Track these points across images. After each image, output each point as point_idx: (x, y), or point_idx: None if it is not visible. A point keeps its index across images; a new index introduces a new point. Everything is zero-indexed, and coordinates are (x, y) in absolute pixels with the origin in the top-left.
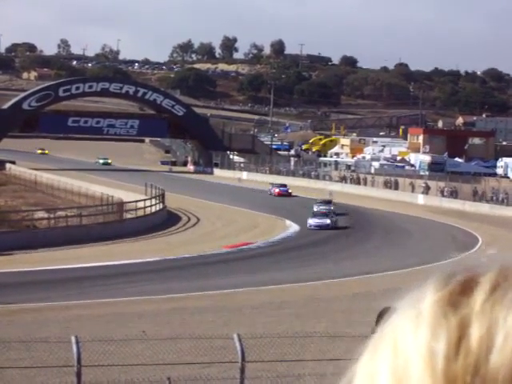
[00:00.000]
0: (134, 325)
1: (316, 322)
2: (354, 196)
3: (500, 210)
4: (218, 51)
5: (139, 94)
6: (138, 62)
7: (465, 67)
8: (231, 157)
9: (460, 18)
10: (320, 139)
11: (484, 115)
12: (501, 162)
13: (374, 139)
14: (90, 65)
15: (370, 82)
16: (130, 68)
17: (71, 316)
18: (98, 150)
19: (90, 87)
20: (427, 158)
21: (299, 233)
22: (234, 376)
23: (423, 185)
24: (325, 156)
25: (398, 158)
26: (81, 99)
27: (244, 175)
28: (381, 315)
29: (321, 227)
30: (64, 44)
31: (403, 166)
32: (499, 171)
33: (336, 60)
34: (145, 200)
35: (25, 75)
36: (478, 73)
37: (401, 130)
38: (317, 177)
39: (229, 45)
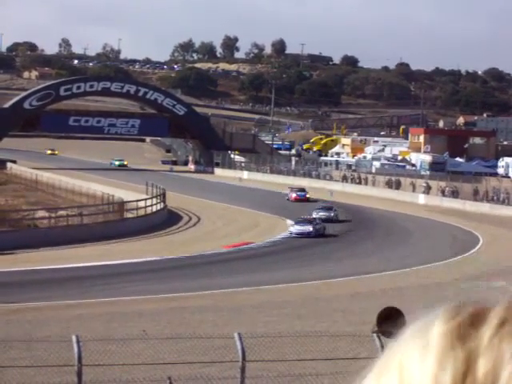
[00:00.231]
0: (135, 324)
1: (316, 322)
2: (355, 195)
3: (501, 209)
4: (219, 50)
5: (140, 94)
6: (139, 61)
7: (466, 67)
8: (232, 156)
9: (461, 17)
10: (321, 139)
11: (485, 115)
12: (502, 162)
13: (375, 139)
14: (91, 64)
15: (371, 81)
16: (131, 67)
17: (72, 315)
18: (99, 149)
19: (91, 86)
20: (428, 158)
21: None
22: (235, 375)
23: (424, 184)
24: (326, 155)
25: (399, 157)
26: (82, 98)
27: (245, 175)
28: (381, 315)
29: (302, 235)
30: (65, 43)
31: (404, 166)
32: (500, 171)
33: (337, 59)
34: (146, 199)
35: (26, 74)
36: (479, 72)
37: (401, 130)
38: (318, 176)
39: (230, 44)
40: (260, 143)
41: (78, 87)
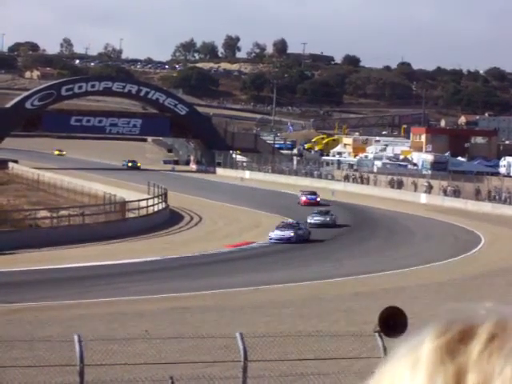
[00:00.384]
0: (137, 324)
1: (318, 321)
2: (357, 195)
3: (502, 208)
4: (220, 50)
5: (142, 93)
6: (140, 61)
7: (467, 66)
8: (234, 156)
9: (462, 16)
10: (322, 138)
11: (486, 114)
12: (503, 161)
13: (377, 138)
14: (92, 64)
15: (373, 81)
16: (132, 67)
17: (74, 315)
18: (104, 149)
19: (93, 86)
20: (430, 157)
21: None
22: (237, 375)
23: (426, 184)
24: (327, 155)
25: (401, 157)
26: (83, 98)
27: (247, 174)
28: (382, 315)
29: (282, 241)
30: (67, 43)
31: (406, 165)
32: (502, 170)
33: (338, 59)
34: (147, 199)
35: (27, 74)
36: (481, 72)
37: (403, 129)
38: (319, 176)
39: (231, 44)
40: (262, 143)
41: (80, 87)
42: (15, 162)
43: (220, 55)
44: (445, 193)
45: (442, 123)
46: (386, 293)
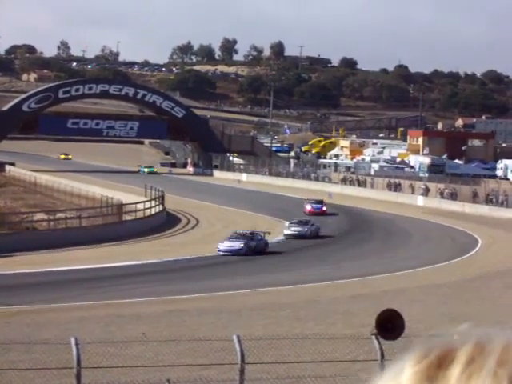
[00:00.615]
0: (134, 326)
1: (315, 324)
2: (354, 197)
3: (499, 211)
4: (217, 53)
5: (139, 96)
6: (137, 63)
7: (464, 69)
8: (231, 158)
9: (460, 19)
10: (320, 141)
11: (484, 117)
12: (500, 164)
13: (374, 141)
14: (89, 67)
15: (370, 83)
16: (129, 70)
17: (71, 318)
18: (98, 151)
19: (90, 89)
20: (427, 160)
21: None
22: (234, 378)
23: (423, 186)
24: (324, 158)
25: (398, 159)
26: (80, 101)
27: (244, 177)
28: (380, 317)
29: (231, 252)
30: (64, 46)
31: (403, 168)
32: (499, 173)
33: (336, 62)
34: (144, 202)
35: (24, 77)
36: (478, 75)
37: (400, 132)
38: (316, 178)
39: (228, 46)
40: (259, 145)
41: (77, 90)
42: (12, 164)
43: (217, 58)
44: (442, 195)
45: (439, 126)
46: (384, 295)
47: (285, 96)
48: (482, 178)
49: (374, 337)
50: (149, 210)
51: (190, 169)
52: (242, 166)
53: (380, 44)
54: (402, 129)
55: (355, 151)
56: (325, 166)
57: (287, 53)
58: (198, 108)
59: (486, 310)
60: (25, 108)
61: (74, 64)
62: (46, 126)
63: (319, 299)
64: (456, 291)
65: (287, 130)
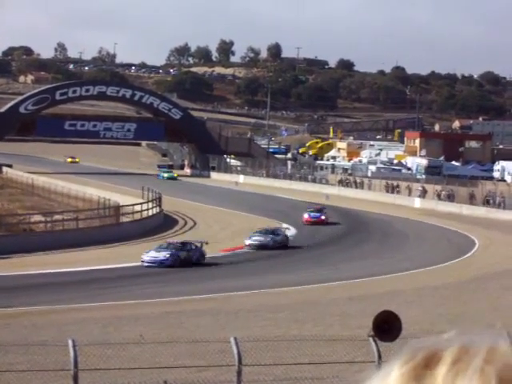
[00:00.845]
0: (131, 328)
1: (313, 326)
2: (351, 199)
3: (496, 213)
4: (214, 54)
5: (136, 98)
6: (134, 65)
7: (461, 70)
8: (228, 160)
9: (457, 21)
10: (317, 142)
11: (481, 118)
12: (497, 166)
13: (371, 143)
14: (86, 68)
15: (367, 85)
16: (126, 71)
17: (68, 319)
18: (96, 153)
19: (87, 91)
20: (424, 162)
21: (296, 236)
22: (231, 379)
23: (420, 188)
24: (321, 159)
25: (395, 161)
26: (77, 103)
27: (241, 178)
28: (377, 319)
29: (155, 263)
30: (61, 47)
31: (400, 170)
32: (496, 175)
33: (333, 63)
34: (141, 203)
35: (21, 79)
36: (475, 76)
37: (397, 134)
38: (314, 180)
39: (225, 48)
40: (256, 147)
41: (74, 91)
42: (9, 166)
43: (214, 59)
44: (439, 197)
45: (436, 127)
46: (381, 297)
47: (282, 98)
48: (479, 179)
49: (371, 338)
50: (146, 212)
51: (188, 170)
52: (239, 168)
53: (377, 46)
54: (399, 130)
55: (352, 153)
56: (322, 168)
57: (284, 54)
58: (195, 110)
59: (484, 311)
60: (22, 110)
61: (71, 66)
62: (43, 127)
63: (316, 301)
64: (453, 292)
65: (284, 132)
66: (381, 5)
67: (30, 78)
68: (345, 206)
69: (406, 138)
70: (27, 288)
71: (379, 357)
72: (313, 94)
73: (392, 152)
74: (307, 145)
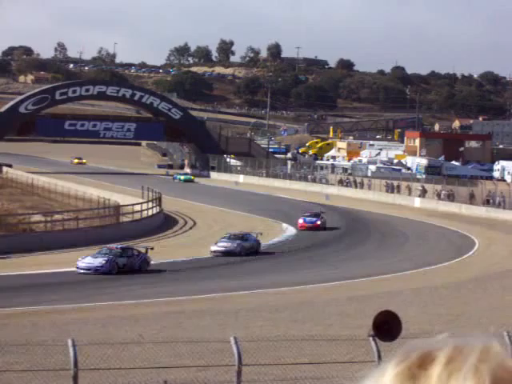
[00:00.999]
0: (131, 328)
1: (312, 326)
2: (351, 199)
3: (497, 213)
4: (214, 54)
5: (136, 98)
6: (134, 65)
7: (461, 70)
8: (228, 160)
9: (457, 21)
10: (317, 142)
11: (480, 118)
12: (497, 165)
13: (371, 142)
14: (86, 68)
15: (367, 85)
16: (126, 71)
17: (68, 319)
18: (95, 153)
19: (87, 90)
20: (424, 162)
21: (296, 236)
22: (231, 379)
23: (420, 188)
24: (321, 159)
25: (395, 161)
26: (77, 102)
27: (241, 178)
28: (377, 319)
29: (89, 270)
30: (61, 47)
31: (400, 170)
32: (496, 174)
33: (333, 63)
34: (141, 203)
35: (21, 78)
36: (475, 76)
37: (397, 133)
38: (313, 180)
39: (225, 48)
40: (256, 147)
41: (74, 91)
42: (9, 166)
43: (214, 59)
44: (439, 197)
45: (436, 127)
46: (381, 297)
47: (282, 97)
48: (479, 179)
49: (371, 338)
50: (146, 212)
51: (187, 170)
52: (239, 168)
53: (377, 45)
54: (399, 130)
55: (352, 153)
56: (322, 168)
57: (284, 54)
58: (194, 109)
59: (484, 311)
60: (22, 110)
61: (71, 66)
62: (43, 127)
63: (316, 301)
64: (453, 292)
65: (284, 132)
66: (380, 5)
67: (29, 77)
68: (345, 205)
69: (405, 138)
70: (27, 288)
71: (379, 357)
72: (313, 94)
73: (392, 152)
74: (307, 144)
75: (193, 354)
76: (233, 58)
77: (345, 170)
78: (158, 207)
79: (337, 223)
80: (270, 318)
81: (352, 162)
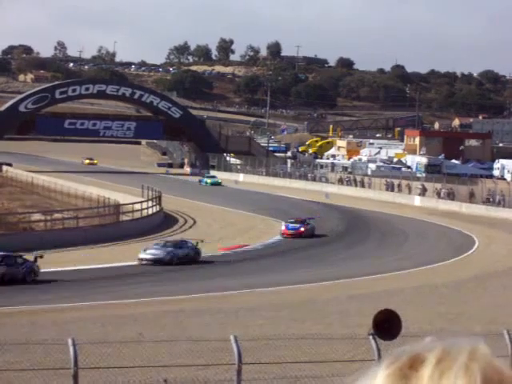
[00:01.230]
0: (131, 327)
1: (312, 324)
2: (351, 197)
3: (496, 211)
4: (214, 53)
5: (136, 96)
6: (134, 64)
7: (461, 69)
8: (228, 159)
9: (457, 19)
10: (316, 141)
11: (480, 117)
12: (497, 164)
13: (371, 141)
14: (86, 67)
15: (367, 83)
16: (126, 70)
17: (68, 318)
18: (95, 152)
19: (87, 89)
20: (424, 160)
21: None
22: (231, 378)
23: (420, 186)
24: (321, 158)
25: (395, 159)
26: (77, 101)
27: (241, 177)
28: (377, 317)
29: None
30: (60, 46)
31: (400, 168)
32: (496, 173)
33: (332, 62)
34: (141, 202)
35: (21, 77)
36: (475, 74)
37: (397, 132)
38: (313, 179)
39: (225, 47)
40: (256, 145)
41: (74, 90)
42: (9, 165)
43: (214, 58)
44: (439, 195)
45: (436, 126)
46: (381, 295)
47: (282, 96)
48: (478, 177)
49: (371, 337)
50: (146, 211)
51: (187, 169)
52: (238, 167)
53: (377, 44)
54: (398, 129)
55: (352, 151)
56: (322, 166)
57: (284, 53)
58: (194, 108)
59: (483, 310)
60: (22, 108)
61: (71, 64)
62: (42, 126)
63: (316, 299)
64: (453, 291)
65: (284, 130)
66: (380, 3)
67: (29, 76)
68: (344, 204)
69: (405, 137)
70: (26, 287)
71: (379, 355)
72: (312, 93)
73: (392, 150)
74: (307, 143)
75: (193, 353)
76: (233, 57)
77: (345, 168)
78: (157, 206)
79: (335, 223)
80: (269, 316)
81: (352, 160)
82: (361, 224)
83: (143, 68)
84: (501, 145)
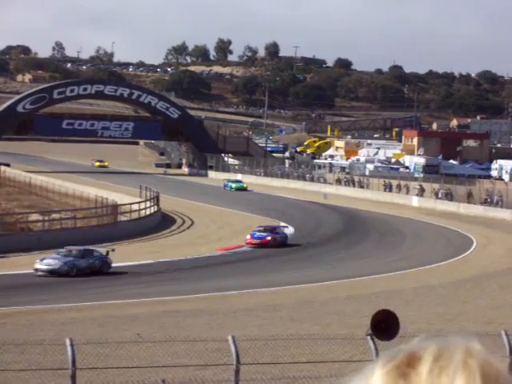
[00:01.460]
0: (129, 327)
1: (310, 325)
2: (349, 198)
3: (494, 212)
4: (212, 53)
5: (134, 97)
6: (132, 64)
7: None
8: (226, 159)
9: (455, 20)
10: (315, 141)
11: (478, 117)
12: (495, 164)
13: (369, 141)
14: (84, 67)
15: (365, 84)
16: (124, 70)
17: (66, 319)
18: (93, 152)
19: (85, 90)
20: (422, 161)
21: (293, 235)
22: (229, 378)
23: (418, 187)
24: (319, 158)
25: (393, 160)
26: (75, 102)
27: (239, 177)
28: (375, 318)
29: None
30: (58, 46)
31: (398, 169)
32: (494, 173)
33: (330, 62)
34: (139, 202)
35: (19, 78)
36: (473, 75)
37: (395, 132)
38: (311, 179)
39: (223, 47)
40: (254, 146)
41: (72, 90)
42: (7, 165)
43: (212, 58)
44: (437, 196)
45: (434, 126)
46: (379, 296)
47: (279, 96)
48: (476, 178)
49: (369, 337)
50: (144, 211)
51: (185, 169)
52: (236, 167)
53: (375, 45)
54: (396, 129)
55: (350, 152)
56: (320, 167)
57: (282, 53)
58: (192, 108)
59: (481, 310)
60: (19, 109)
61: (69, 65)
62: (40, 126)
63: (314, 300)
64: (451, 292)
65: (282, 131)
66: (378, 4)
67: (27, 76)
68: (342, 204)
69: (403, 137)
70: (24, 287)
71: (377, 356)
72: (310, 93)
73: (390, 151)
74: (305, 143)
75: (191, 353)
76: (231, 57)
77: (343, 169)
78: (155, 206)
79: (331, 224)
80: (267, 317)
81: (350, 161)
82: (358, 224)
83: (141, 68)
84: (499, 145)
